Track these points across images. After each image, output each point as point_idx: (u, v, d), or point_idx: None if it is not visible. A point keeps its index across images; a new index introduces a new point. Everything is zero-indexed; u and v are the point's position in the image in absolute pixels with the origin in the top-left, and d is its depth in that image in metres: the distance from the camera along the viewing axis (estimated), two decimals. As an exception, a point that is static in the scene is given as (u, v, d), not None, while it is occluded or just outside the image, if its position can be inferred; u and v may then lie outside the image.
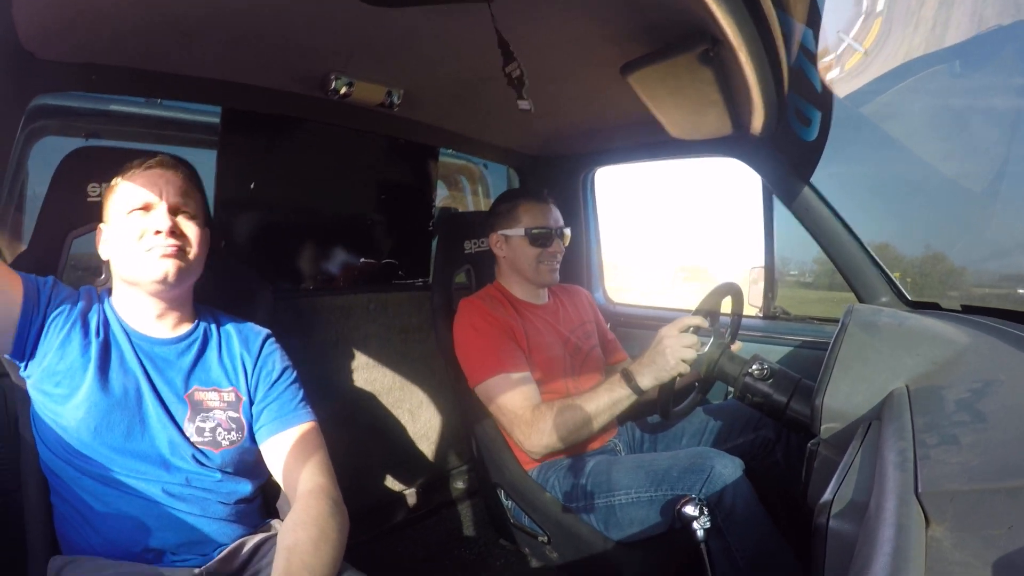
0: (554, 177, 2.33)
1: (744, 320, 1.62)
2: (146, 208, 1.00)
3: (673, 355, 1.32)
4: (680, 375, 1.36)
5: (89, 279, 1.21)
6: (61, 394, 0.96)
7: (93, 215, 1.12)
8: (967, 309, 1.35)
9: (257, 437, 1.09)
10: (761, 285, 1.97)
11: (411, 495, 2.09)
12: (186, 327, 1.09)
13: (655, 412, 1.48)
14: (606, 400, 1.42)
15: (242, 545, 1.03)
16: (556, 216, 1.71)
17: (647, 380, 1.36)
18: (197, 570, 0.98)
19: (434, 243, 2.14)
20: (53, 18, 1.04)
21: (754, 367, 1.33)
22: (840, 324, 1.15)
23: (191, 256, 1.03)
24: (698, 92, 1.27)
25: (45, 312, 0.97)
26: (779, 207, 1.83)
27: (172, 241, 0.99)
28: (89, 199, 1.15)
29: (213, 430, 1.05)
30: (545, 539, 1.53)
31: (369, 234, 2.08)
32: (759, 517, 1.26)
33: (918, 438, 0.65)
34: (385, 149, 2.03)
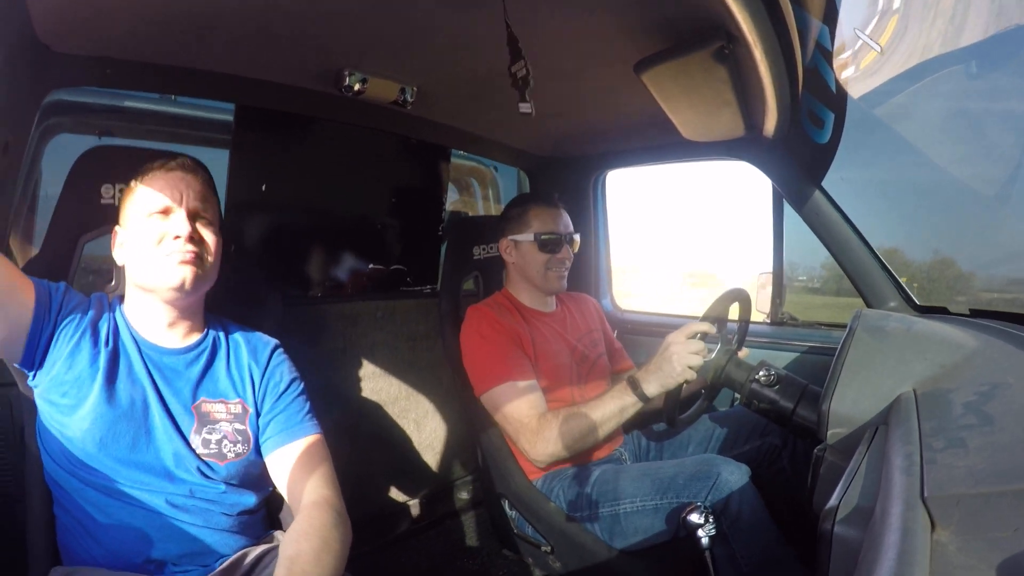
0: (564, 179, 2.32)
1: (752, 326, 1.61)
2: (165, 212, 0.99)
3: (680, 362, 1.31)
4: (687, 382, 1.34)
5: (100, 284, 1.20)
6: (68, 404, 0.95)
7: (106, 218, 1.11)
8: (975, 313, 1.34)
9: (263, 449, 1.09)
10: (769, 290, 1.96)
11: (415, 505, 2.09)
12: (196, 337, 1.09)
13: (661, 420, 1.47)
14: (612, 408, 1.40)
15: (244, 556, 1.03)
16: (566, 221, 1.71)
17: (653, 387, 1.35)
18: (198, 581, 0.98)
19: (443, 248, 2.13)
20: (70, 11, 1.04)
21: (761, 373, 1.32)
22: (848, 329, 1.15)
23: (208, 263, 1.03)
24: (712, 91, 1.26)
25: (56, 320, 0.97)
26: (787, 211, 1.82)
27: (191, 247, 0.98)
28: (103, 201, 1.14)
29: (219, 442, 1.04)
30: (548, 549, 1.51)
31: (379, 239, 2.08)
32: (765, 524, 1.25)
33: (925, 442, 0.64)
34: (397, 149, 2.03)
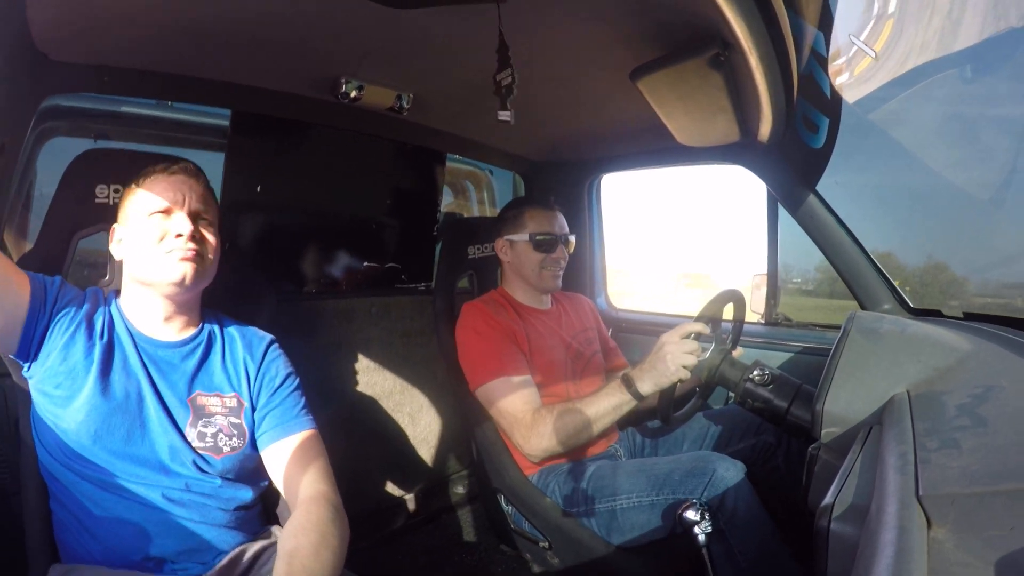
0: (559, 183, 2.34)
1: (746, 326, 1.62)
2: (167, 212, 1.01)
3: (674, 361, 1.32)
4: (680, 381, 1.36)
5: (95, 279, 1.21)
6: (62, 396, 0.96)
7: (101, 216, 1.13)
8: (969, 316, 1.35)
9: (258, 443, 1.09)
10: (763, 291, 1.98)
11: (411, 500, 2.09)
12: (191, 331, 1.10)
13: (656, 418, 1.48)
14: (606, 405, 1.42)
15: (243, 552, 1.03)
16: (561, 223, 1.73)
17: (647, 386, 1.36)
18: (198, 578, 0.98)
19: (438, 248, 2.15)
20: (68, 20, 1.05)
21: (755, 372, 1.33)
22: (842, 330, 1.16)
23: (208, 261, 1.05)
24: (708, 98, 1.26)
25: (51, 312, 0.97)
26: (782, 214, 1.84)
27: (192, 245, 1.00)
28: (97, 200, 1.16)
29: (215, 435, 1.04)
30: (546, 544, 1.52)
31: (374, 238, 2.09)
32: (761, 520, 1.26)
33: (919, 442, 0.65)
34: (393, 154, 2.04)
